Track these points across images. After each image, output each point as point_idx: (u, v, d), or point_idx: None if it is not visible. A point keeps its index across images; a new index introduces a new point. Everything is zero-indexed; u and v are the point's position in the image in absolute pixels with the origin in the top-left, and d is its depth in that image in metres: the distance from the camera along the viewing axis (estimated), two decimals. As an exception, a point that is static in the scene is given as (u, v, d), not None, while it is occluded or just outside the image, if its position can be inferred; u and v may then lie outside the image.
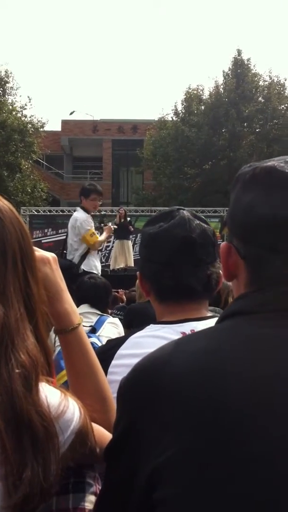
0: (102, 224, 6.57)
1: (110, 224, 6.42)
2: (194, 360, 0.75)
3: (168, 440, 0.69)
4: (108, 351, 1.40)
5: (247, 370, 0.71)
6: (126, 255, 11.92)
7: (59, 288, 1.05)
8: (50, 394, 0.82)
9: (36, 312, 0.88)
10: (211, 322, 1.39)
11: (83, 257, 5.88)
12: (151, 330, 1.41)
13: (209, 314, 1.47)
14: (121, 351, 1.39)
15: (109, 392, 1.08)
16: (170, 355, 0.78)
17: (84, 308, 3.19)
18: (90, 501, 0.90)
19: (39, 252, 1.01)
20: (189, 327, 1.36)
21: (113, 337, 3.08)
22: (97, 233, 5.95)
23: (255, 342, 0.75)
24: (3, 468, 0.71)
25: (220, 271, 1.46)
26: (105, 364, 1.29)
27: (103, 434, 0.95)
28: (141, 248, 1.53)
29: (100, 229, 6.29)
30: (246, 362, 0.72)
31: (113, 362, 1.37)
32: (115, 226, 6.04)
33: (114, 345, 1.43)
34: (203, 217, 1.51)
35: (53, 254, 1.08)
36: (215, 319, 1.42)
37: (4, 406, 0.74)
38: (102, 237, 6.02)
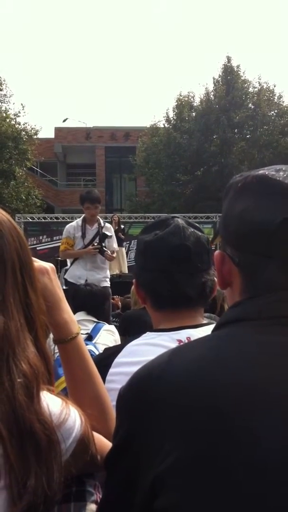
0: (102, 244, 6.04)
1: (96, 245, 5.95)
2: (191, 368, 0.76)
3: (168, 448, 0.70)
4: (105, 359, 1.40)
5: (245, 377, 0.72)
6: (120, 261, 11.93)
7: (58, 298, 1.06)
8: (52, 403, 0.83)
9: (36, 322, 0.89)
10: (207, 329, 1.41)
11: (71, 265, 5.93)
12: (147, 338, 1.42)
13: (205, 321, 1.49)
14: (119, 359, 1.40)
15: (108, 399, 1.09)
16: (168, 363, 0.79)
17: (81, 315, 3.20)
18: (91, 509, 0.91)
19: (37, 263, 1.02)
20: (185, 335, 1.38)
21: (110, 344, 3.08)
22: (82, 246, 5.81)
23: (252, 349, 0.76)
24: (8, 476, 0.72)
25: (215, 278, 1.48)
26: (103, 372, 1.30)
27: (103, 442, 0.96)
28: (137, 256, 1.54)
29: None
30: (243, 369, 0.73)
31: (111, 370, 1.38)
32: (96, 251, 5.73)
33: (112, 353, 1.44)
34: (197, 224, 1.53)
35: (51, 264, 1.09)
36: (211, 326, 1.44)
37: (6, 415, 0.75)
38: (74, 251, 5.85)
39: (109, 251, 5.84)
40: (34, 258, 0.99)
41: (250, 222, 0.83)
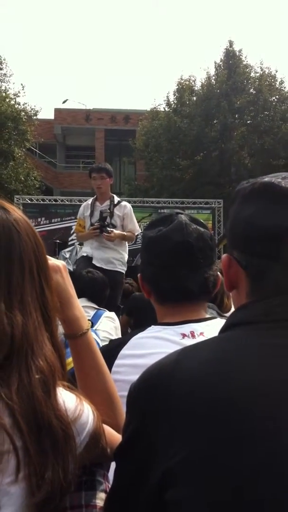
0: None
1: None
2: (201, 367, 0.79)
3: (179, 443, 0.73)
4: (111, 351, 1.45)
5: (253, 378, 0.75)
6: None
7: (69, 295, 1.10)
8: (67, 399, 0.87)
9: (52, 319, 0.93)
10: (210, 323, 1.45)
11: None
12: (152, 331, 1.46)
13: (208, 315, 1.53)
14: (124, 351, 1.44)
15: (116, 391, 1.13)
16: (177, 363, 0.82)
17: (82, 302, 3.24)
18: (100, 498, 0.96)
19: (50, 261, 1.06)
20: (189, 329, 1.42)
21: (110, 331, 3.14)
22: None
23: (259, 351, 0.79)
24: (27, 468, 0.77)
25: (219, 273, 1.52)
26: (109, 364, 1.34)
27: (112, 435, 1.00)
28: (141, 251, 1.59)
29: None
30: (251, 370, 0.76)
31: (116, 362, 1.42)
32: (96, 231, 5.05)
33: (117, 345, 1.48)
34: (201, 221, 1.57)
35: (63, 262, 1.12)
36: (214, 320, 1.49)
37: (26, 410, 0.78)
38: (84, 233, 5.32)
39: (114, 230, 5.10)
40: (47, 256, 1.02)
41: (257, 226, 0.86)
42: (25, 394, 0.80)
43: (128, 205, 5.41)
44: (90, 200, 5.46)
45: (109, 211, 5.19)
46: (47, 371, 0.84)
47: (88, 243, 5.30)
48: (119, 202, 5.37)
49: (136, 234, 5.46)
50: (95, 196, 5.42)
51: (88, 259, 5.13)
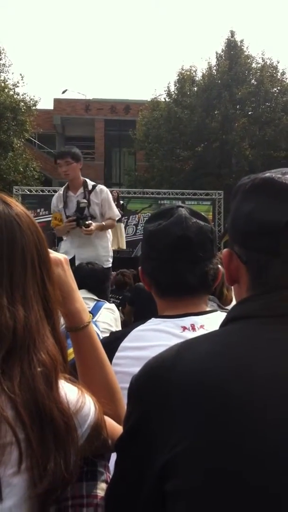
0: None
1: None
2: (201, 361, 0.80)
3: (179, 434, 0.75)
4: (112, 343, 1.46)
5: (253, 371, 0.76)
6: (118, 237, 11.95)
7: (71, 288, 1.11)
8: (69, 391, 0.88)
9: (53, 313, 0.94)
10: (210, 316, 1.46)
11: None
12: (153, 323, 1.47)
13: (209, 308, 1.54)
14: (125, 343, 1.45)
15: (117, 383, 1.14)
16: (179, 354, 0.83)
17: (82, 293, 3.24)
18: (101, 488, 0.97)
19: (52, 254, 1.07)
20: (189, 321, 1.43)
21: (110, 322, 3.15)
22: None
23: (259, 345, 0.80)
24: (29, 460, 0.78)
25: (219, 266, 1.53)
26: (109, 356, 1.36)
27: (114, 426, 1.01)
28: (142, 244, 1.60)
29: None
30: (251, 364, 0.77)
31: (117, 354, 1.43)
32: (73, 224, 4.55)
33: (118, 337, 1.49)
34: (202, 214, 1.57)
35: (64, 256, 1.13)
36: (214, 313, 1.49)
37: (28, 403, 0.80)
38: (61, 226, 4.78)
39: (93, 223, 4.60)
40: (49, 250, 1.03)
41: (257, 221, 0.86)
42: (27, 387, 0.81)
43: (105, 189, 4.88)
44: (61, 190, 4.93)
45: (86, 201, 4.68)
46: (49, 364, 0.85)
47: (68, 241, 4.89)
48: (94, 188, 4.81)
49: (116, 219, 5.03)
50: (66, 185, 4.90)
51: (70, 261, 4.74)
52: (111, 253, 5.05)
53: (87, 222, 4.56)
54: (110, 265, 5.03)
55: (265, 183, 0.89)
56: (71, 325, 1.10)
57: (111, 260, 5.04)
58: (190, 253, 1.45)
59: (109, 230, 5.02)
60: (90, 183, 4.82)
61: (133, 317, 4.85)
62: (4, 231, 0.89)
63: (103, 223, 4.76)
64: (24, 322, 0.85)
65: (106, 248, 4.97)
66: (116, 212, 4.94)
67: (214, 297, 2.47)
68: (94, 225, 4.61)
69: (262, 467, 0.69)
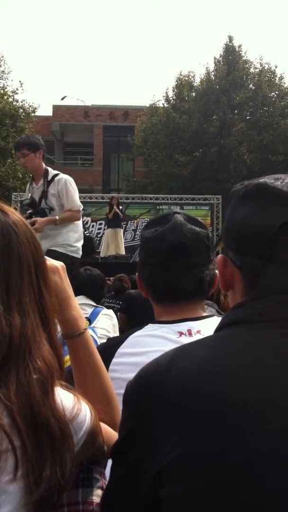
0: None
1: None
2: (196, 366, 0.80)
3: (175, 439, 0.75)
4: (109, 350, 1.46)
5: (247, 376, 0.76)
6: (118, 243, 11.98)
7: (67, 296, 1.11)
8: (65, 398, 0.88)
9: (50, 320, 0.94)
10: (207, 322, 1.47)
11: None
12: (149, 329, 1.47)
13: (205, 314, 1.55)
14: (121, 349, 1.45)
15: (113, 390, 1.14)
16: (173, 362, 0.83)
17: (80, 299, 3.24)
18: (97, 495, 0.97)
19: (49, 261, 1.07)
20: (186, 327, 1.43)
21: (108, 328, 3.15)
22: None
23: (253, 350, 0.80)
24: (25, 467, 0.78)
25: (216, 271, 1.53)
26: (106, 362, 1.36)
27: (109, 433, 1.01)
28: (139, 250, 1.62)
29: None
30: (245, 369, 0.77)
31: (114, 360, 1.43)
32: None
33: (115, 343, 1.49)
34: (199, 219, 1.58)
35: (61, 263, 1.14)
36: (211, 318, 1.50)
37: (24, 410, 0.80)
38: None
39: (38, 219, 4.27)
40: (46, 257, 1.03)
41: (251, 226, 0.87)
42: (23, 394, 0.81)
43: (64, 178, 4.47)
44: (31, 183, 4.68)
45: (28, 198, 4.46)
46: (45, 371, 0.85)
47: (38, 236, 4.43)
48: (53, 178, 4.46)
49: (79, 210, 4.53)
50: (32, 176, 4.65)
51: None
52: (73, 240, 4.57)
53: (30, 220, 4.11)
54: (72, 253, 4.56)
55: (259, 189, 0.90)
56: (68, 332, 1.11)
57: (74, 248, 4.58)
58: (185, 259, 1.46)
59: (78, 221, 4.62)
60: (52, 173, 4.52)
61: (126, 325, 4.82)
62: (1, 238, 0.90)
63: (57, 217, 4.39)
64: (20, 330, 0.85)
65: (66, 236, 4.51)
66: (77, 203, 4.48)
67: (213, 302, 2.48)
68: (40, 221, 4.27)
69: (259, 472, 0.69)
